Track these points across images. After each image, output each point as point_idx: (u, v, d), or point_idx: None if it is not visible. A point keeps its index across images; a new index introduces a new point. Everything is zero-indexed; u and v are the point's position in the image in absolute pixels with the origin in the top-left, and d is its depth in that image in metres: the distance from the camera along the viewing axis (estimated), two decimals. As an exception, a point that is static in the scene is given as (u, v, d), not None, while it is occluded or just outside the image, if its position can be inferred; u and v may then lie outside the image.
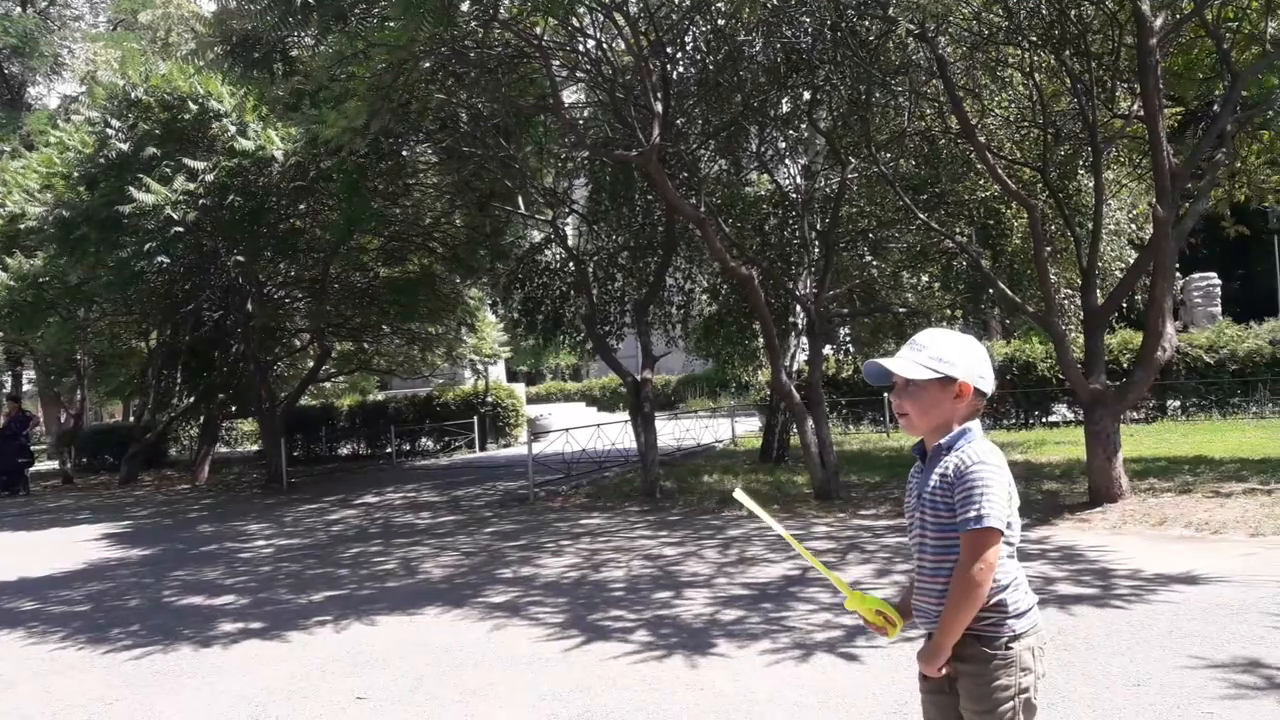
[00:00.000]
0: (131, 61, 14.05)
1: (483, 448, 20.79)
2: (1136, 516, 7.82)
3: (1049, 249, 10.99)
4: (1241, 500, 7.99)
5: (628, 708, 4.14)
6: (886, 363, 2.23)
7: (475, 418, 20.86)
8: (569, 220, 15.03)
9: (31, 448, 20.42)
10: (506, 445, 21.32)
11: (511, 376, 29.92)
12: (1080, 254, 9.59)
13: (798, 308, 12.80)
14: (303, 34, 10.47)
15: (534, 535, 9.42)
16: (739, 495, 2.51)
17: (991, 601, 2.14)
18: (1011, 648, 2.16)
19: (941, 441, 2.21)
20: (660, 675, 4.59)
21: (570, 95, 13.73)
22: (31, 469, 19.90)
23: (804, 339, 13.29)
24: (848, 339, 16.47)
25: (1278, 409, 15.69)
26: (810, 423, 10.22)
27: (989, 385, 2.24)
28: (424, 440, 21.69)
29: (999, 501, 2.10)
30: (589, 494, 12.02)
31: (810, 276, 12.48)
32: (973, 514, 2.09)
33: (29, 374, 27.06)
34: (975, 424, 2.23)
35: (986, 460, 2.13)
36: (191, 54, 11.76)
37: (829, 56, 10.38)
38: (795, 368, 14.33)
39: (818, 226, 12.30)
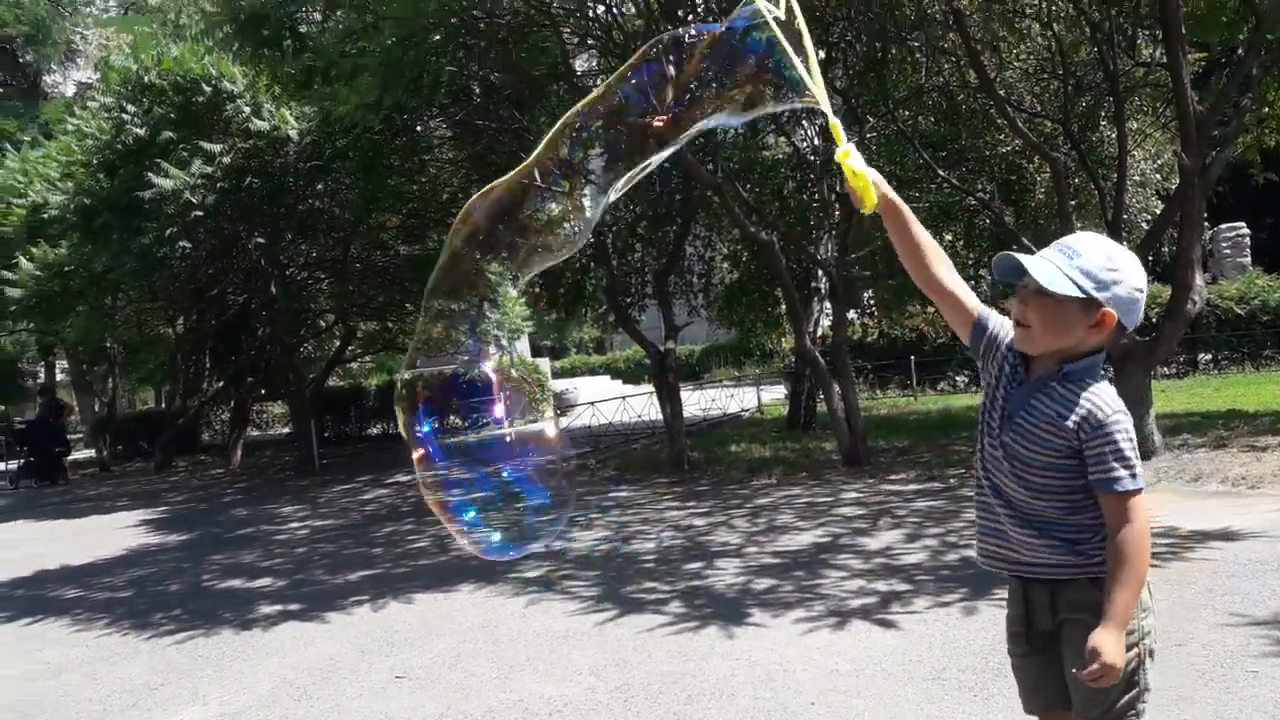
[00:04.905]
0: (143, 45, 14.05)
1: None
2: (1171, 473, 7.74)
3: (1073, 202, 10.83)
4: (1278, 453, 7.88)
5: (664, 680, 4.16)
6: (1025, 260, 1.87)
7: (501, 393, 20.89)
8: (586, 191, 14.92)
9: (68, 436, 20.74)
10: (533, 420, 21.39)
11: (535, 351, 29.94)
12: (1105, 206, 9.45)
13: (819, 272, 12.70)
14: (311, 9, 10.42)
15: (563, 508, 9.45)
16: None
17: None
18: None
19: (1069, 368, 1.90)
20: (695, 646, 4.61)
21: (582, 63, 13.59)
22: (69, 458, 20.21)
23: (827, 304, 13.20)
24: (871, 302, 16.34)
25: (1311, 359, 15.46)
26: (836, 388, 10.17)
27: (1135, 319, 1.89)
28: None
29: (1138, 454, 1.88)
30: (617, 466, 12.05)
31: (831, 240, 12.36)
32: (1123, 474, 1.84)
33: (61, 364, 27.39)
34: (1101, 358, 1.93)
35: (1122, 409, 1.87)
36: (201, 34, 11.73)
37: (843, 13, 10.21)
38: (819, 333, 14.24)
39: (837, 188, 12.16)
